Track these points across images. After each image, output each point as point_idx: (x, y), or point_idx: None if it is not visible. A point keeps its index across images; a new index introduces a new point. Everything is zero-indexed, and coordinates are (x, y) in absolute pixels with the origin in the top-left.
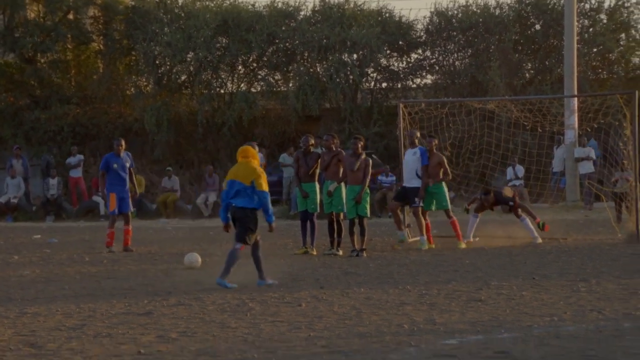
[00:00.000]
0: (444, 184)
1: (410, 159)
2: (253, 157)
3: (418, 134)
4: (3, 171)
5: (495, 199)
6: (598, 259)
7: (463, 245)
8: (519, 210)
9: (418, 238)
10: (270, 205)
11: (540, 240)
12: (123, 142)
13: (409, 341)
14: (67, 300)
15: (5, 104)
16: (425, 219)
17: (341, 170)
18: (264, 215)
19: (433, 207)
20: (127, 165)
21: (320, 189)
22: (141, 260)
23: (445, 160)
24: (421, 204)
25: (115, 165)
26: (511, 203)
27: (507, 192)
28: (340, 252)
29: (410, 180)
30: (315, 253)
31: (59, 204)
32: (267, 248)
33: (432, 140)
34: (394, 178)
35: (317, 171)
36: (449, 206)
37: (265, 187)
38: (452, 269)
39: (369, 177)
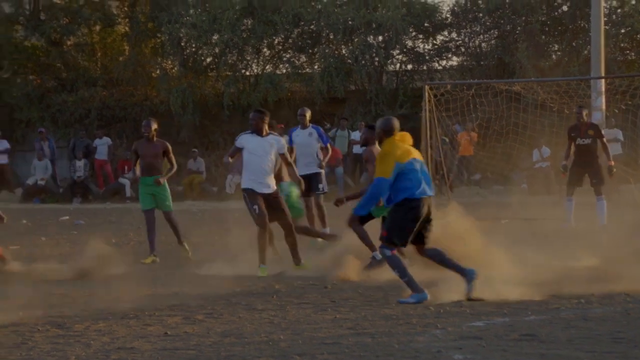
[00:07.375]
0: None
1: (305, 141)
2: None
3: (309, 112)
4: (31, 153)
5: None
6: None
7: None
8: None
9: None
10: None
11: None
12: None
13: (435, 323)
14: (94, 281)
15: (32, 87)
16: None
17: None
18: None
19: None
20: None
21: None
22: (167, 242)
23: None
24: (325, 191)
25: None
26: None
27: None
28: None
29: (308, 166)
30: None
31: (86, 186)
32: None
33: None
34: None
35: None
36: None
37: None
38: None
39: None
